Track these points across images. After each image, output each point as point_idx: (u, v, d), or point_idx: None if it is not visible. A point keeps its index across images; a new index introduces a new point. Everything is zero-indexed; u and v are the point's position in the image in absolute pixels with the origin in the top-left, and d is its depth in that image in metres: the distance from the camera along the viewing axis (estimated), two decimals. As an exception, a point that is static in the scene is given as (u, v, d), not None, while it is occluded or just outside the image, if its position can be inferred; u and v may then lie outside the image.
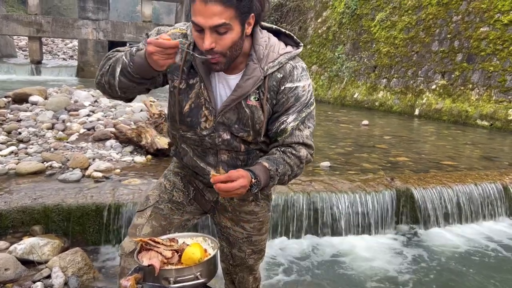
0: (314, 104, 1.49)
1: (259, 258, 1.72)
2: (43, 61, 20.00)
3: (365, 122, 7.28)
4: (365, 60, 10.63)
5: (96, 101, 6.14)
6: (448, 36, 8.54)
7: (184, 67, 1.42)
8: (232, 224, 1.63)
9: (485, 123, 7.33)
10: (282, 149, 1.43)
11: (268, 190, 1.63)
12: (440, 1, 8.90)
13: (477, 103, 7.62)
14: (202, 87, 1.41)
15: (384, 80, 9.89)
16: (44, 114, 4.83)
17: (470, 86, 7.83)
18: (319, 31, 12.69)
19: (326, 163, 3.99)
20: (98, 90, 6.99)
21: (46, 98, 5.84)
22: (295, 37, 1.49)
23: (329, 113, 9.05)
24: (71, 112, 5.05)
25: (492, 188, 3.78)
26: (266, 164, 1.36)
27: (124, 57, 1.34)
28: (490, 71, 7.53)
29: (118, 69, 1.34)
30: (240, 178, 1.24)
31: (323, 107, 10.23)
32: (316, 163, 4.00)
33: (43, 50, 21.90)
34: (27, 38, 20.46)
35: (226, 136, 1.44)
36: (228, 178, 1.24)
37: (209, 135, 1.45)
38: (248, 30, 1.35)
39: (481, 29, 7.88)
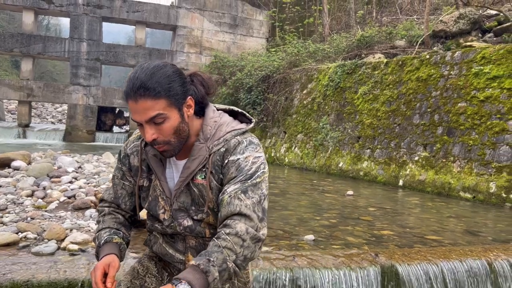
0: (264, 177, 1.42)
1: None
2: (31, 125, 20.07)
3: (350, 192, 7.30)
4: (349, 130, 10.90)
5: (80, 167, 6.09)
6: (428, 109, 8.88)
7: (143, 166, 1.48)
8: None
9: (468, 195, 7.41)
10: (217, 235, 1.32)
11: (236, 278, 1.52)
12: (419, 77, 9.34)
13: (459, 175, 7.75)
14: (156, 179, 1.46)
15: (368, 151, 10.07)
16: (25, 180, 4.75)
17: (452, 158, 8.01)
18: (305, 102, 13.10)
19: (310, 237, 3.93)
20: (82, 156, 6.87)
21: (29, 163, 5.78)
22: (247, 114, 1.55)
23: (315, 181, 9.08)
24: (53, 179, 4.98)
25: (477, 265, 3.72)
26: (193, 262, 1.26)
27: (96, 240, 1.59)
28: (470, 144, 7.75)
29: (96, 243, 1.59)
30: None
31: (308, 176, 10.28)
32: (300, 236, 3.93)
33: (32, 114, 22.07)
34: (17, 101, 20.66)
35: (187, 222, 1.44)
36: None
37: (169, 226, 1.45)
38: (189, 112, 1.39)
39: (459, 104, 8.22)
